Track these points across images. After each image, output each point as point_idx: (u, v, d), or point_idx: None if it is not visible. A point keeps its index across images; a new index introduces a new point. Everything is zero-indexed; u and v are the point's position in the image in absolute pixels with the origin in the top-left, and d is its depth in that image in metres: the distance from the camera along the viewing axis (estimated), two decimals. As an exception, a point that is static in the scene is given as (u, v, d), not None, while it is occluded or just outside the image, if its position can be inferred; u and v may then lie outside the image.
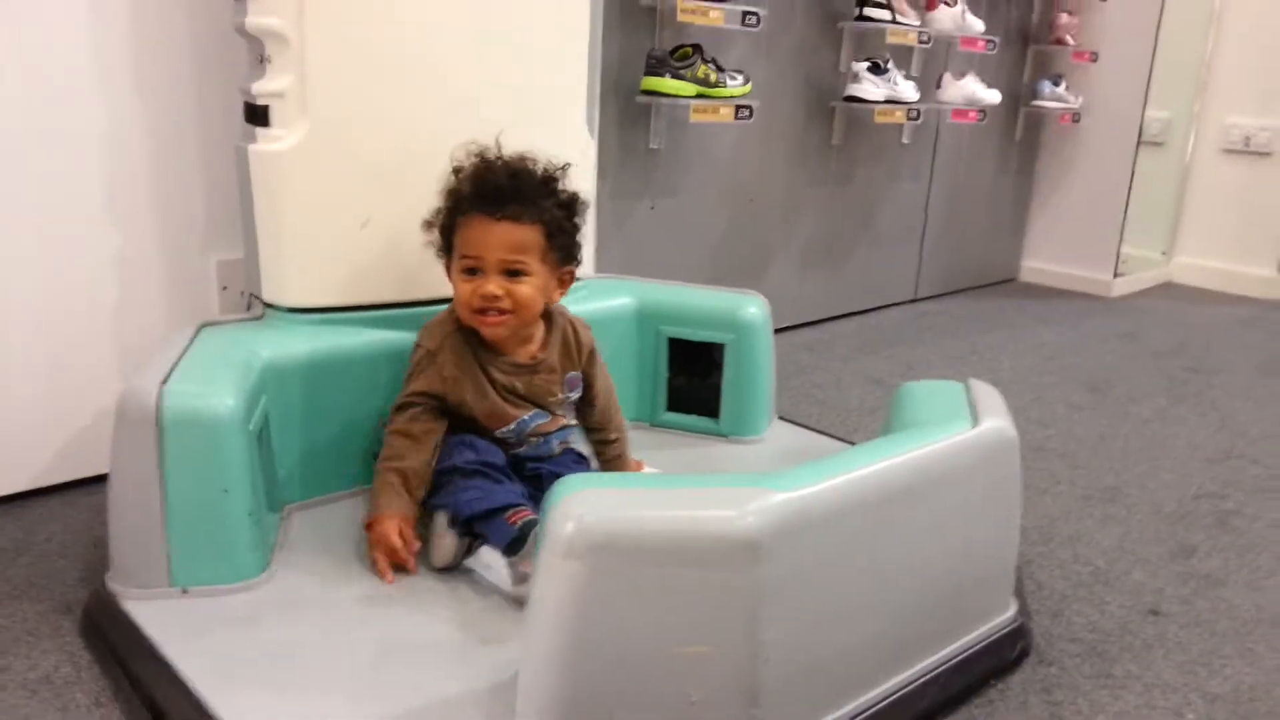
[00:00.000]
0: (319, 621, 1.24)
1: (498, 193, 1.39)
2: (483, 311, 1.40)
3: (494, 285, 1.39)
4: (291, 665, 1.16)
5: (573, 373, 1.53)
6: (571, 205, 1.46)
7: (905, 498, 1.11)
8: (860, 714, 1.11)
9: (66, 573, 1.43)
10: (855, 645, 1.10)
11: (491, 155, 1.43)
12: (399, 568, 1.34)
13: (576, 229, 1.47)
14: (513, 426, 1.46)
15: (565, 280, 1.48)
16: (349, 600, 1.29)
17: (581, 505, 0.95)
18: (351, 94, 1.47)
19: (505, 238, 1.39)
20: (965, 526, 1.21)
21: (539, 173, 1.43)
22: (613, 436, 1.61)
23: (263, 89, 1.43)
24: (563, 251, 1.45)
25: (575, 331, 1.54)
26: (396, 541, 1.33)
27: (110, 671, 1.20)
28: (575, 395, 1.54)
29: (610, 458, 1.61)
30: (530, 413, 1.48)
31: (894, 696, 1.14)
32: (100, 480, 1.68)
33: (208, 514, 1.27)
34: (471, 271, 1.40)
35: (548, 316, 1.51)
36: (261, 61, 1.44)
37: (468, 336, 1.45)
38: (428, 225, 1.46)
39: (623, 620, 0.96)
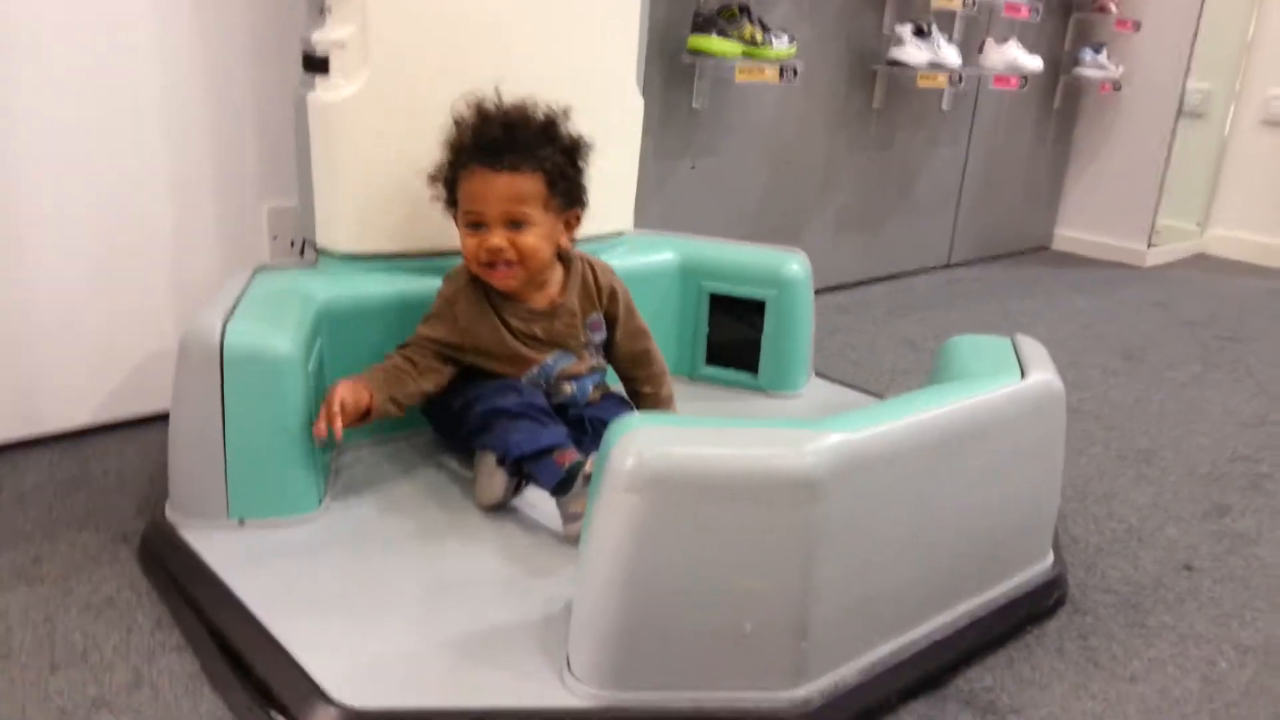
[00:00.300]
0: (373, 555, 1.28)
1: (494, 144, 1.39)
2: (489, 265, 1.42)
3: (498, 238, 1.40)
4: (348, 595, 1.20)
5: (594, 315, 1.54)
6: (573, 150, 1.45)
7: (956, 444, 1.13)
8: (903, 652, 1.14)
9: (123, 505, 1.47)
10: (901, 585, 1.12)
11: (489, 106, 1.43)
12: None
13: (580, 173, 1.47)
14: (537, 371, 1.48)
15: (572, 224, 1.49)
16: (401, 535, 1.33)
17: (642, 441, 0.98)
18: (411, 45, 1.49)
19: (505, 189, 1.39)
20: (1011, 476, 1.23)
21: (539, 119, 1.43)
22: (646, 388, 1.62)
23: (323, 38, 1.45)
24: (566, 197, 1.45)
25: (594, 273, 1.55)
26: (336, 404, 1.29)
27: (169, 597, 1.24)
28: (600, 337, 1.56)
29: (645, 407, 1.62)
30: (553, 355, 1.49)
31: (936, 637, 1.17)
32: (154, 419, 1.74)
33: (267, 449, 1.31)
34: (475, 225, 1.41)
35: (565, 260, 1.52)
36: (322, 12, 1.46)
37: (483, 284, 1.46)
38: (431, 179, 1.47)
39: (680, 553, 0.98)
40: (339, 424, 1.29)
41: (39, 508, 1.45)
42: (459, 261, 1.49)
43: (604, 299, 1.55)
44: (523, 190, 1.40)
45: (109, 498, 1.49)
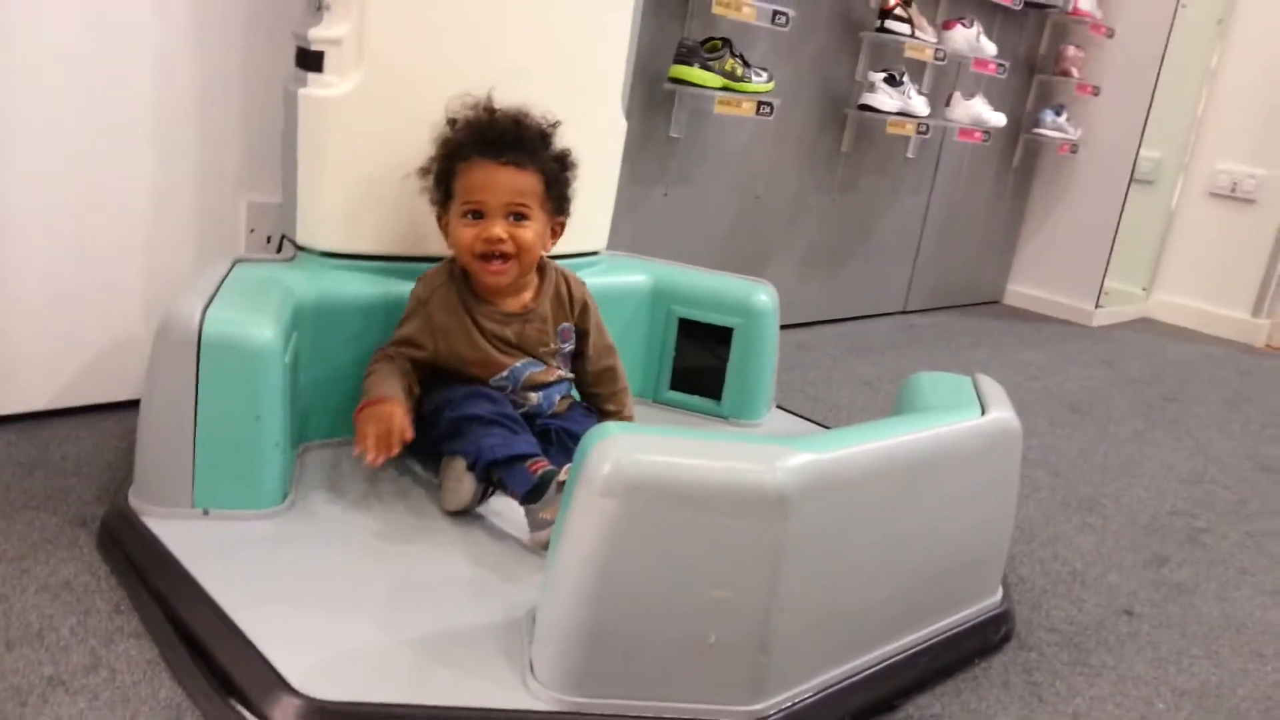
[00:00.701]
0: (338, 552, 1.29)
1: (502, 138, 1.43)
2: (485, 257, 1.44)
3: (499, 228, 1.43)
4: (312, 589, 1.20)
5: (565, 324, 1.57)
6: (564, 159, 1.51)
7: (920, 473, 1.17)
8: (857, 674, 1.16)
9: (81, 490, 1.46)
10: (861, 608, 1.15)
11: (488, 105, 1.47)
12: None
13: (568, 182, 1.52)
14: (505, 374, 1.50)
15: (556, 231, 1.53)
16: (366, 534, 1.34)
17: (620, 447, 1.00)
18: (406, 47, 1.51)
19: (510, 182, 1.43)
20: (969, 508, 1.27)
21: (538, 124, 1.48)
22: (610, 405, 1.64)
23: (319, 35, 1.47)
24: (557, 201, 1.50)
25: (568, 283, 1.58)
26: (399, 422, 1.34)
27: (128, 582, 1.23)
28: (569, 347, 1.58)
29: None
30: (522, 361, 1.51)
31: (889, 661, 1.20)
32: (114, 406, 1.72)
33: (237, 439, 1.30)
34: (475, 215, 1.44)
35: (540, 268, 1.55)
36: (319, 9, 1.48)
37: (458, 287, 1.49)
38: (423, 172, 1.49)
39: (650, 560, 1.00)
40: (397, 449, 1.34)
41: (-5, 486, 1.43)
42: (421, 276, 1.52)
43: (575, 310, 1.58)
44: (524, 185, 1.44)
45: (67, 481, 1.48)
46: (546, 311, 1.54)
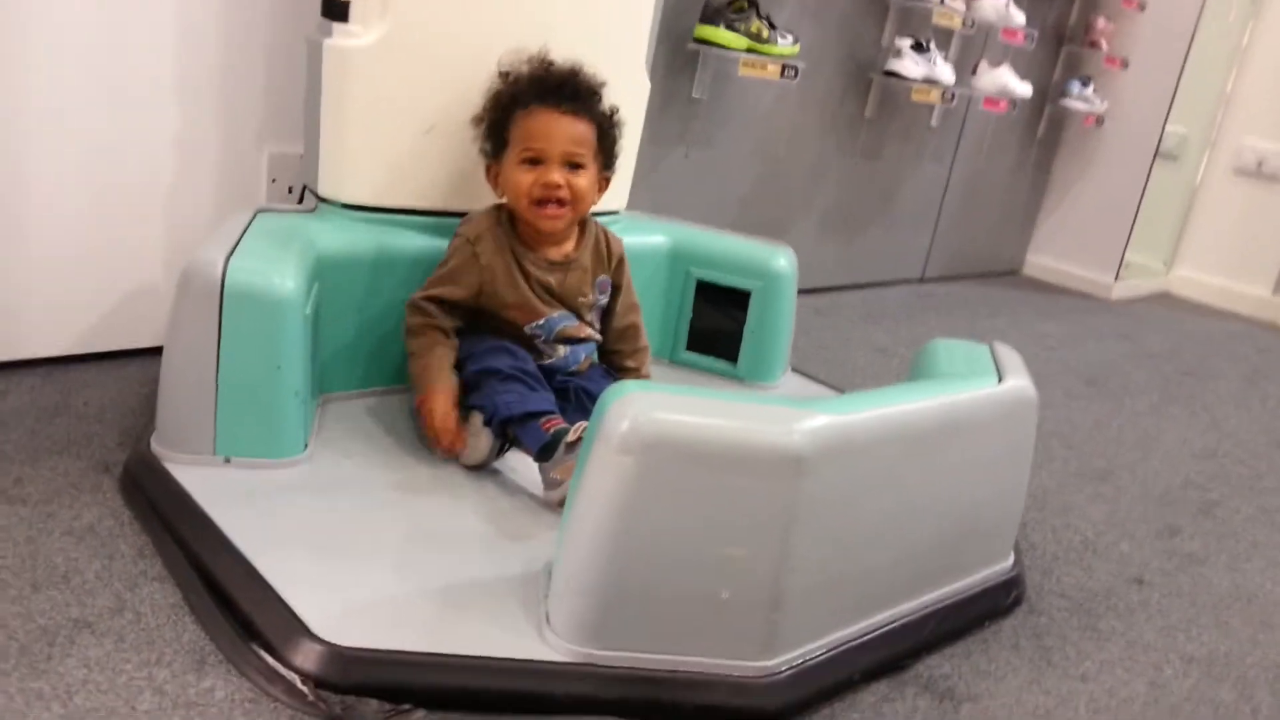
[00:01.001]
0: (356, 501, 1.30)
1: (562, 87, 1.46)
2: (542, 202, 1.46)
3: (557, 174, 1.45)
4: (332, 538, 1.21)
5: (603, 276, 1.59)
6: (614, 115, 1.54)
7: (936, 438, 1.17)
8: (868, 634, 1.18)
9: (104, 435, 1.48)
10: (873, 569, 1.16)
11: (542, 60, 1.50)
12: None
13: (617, 138, 1.55)
14: (542, 322, 1.52)
15: (603, 186, 1.56)
16: (384, 485, 1.35)
17: (638, 405, 1.01)
18: (432, 2, 1.51)
19: (569, 130, 1.46)
20: (983, 474, 1.27)
21: (591, 78, 1.51)
22: (629, 363, 1.65)
23: (347, -15, 1.46)
24: (607, 155, 1.53)
25: (607, 238, 1.60)
26: (454, 424, 1.40)
27: (151, 527, 1.25)
28: (604, 299, 1.60)
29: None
30: (559, 312, 1.53)
31: (900, 622, 1.21)
32: (136, 353, 1.74)
33: (258, 388, 1.32)
34: (533, 161, 1.45)
35: (582, 220, 1.57)
36: (346, -41, 1.47)
37: (507, 230, 1.51)
38: (477, 120, 1.51)
39: (666, 516, 1.01)
40: (460, 446, 1.40)
41: (20, 431, 1.45)
42: (465, 219, 1.53)
43: (613, 264, 1.60)
44: (582, 134, 1.47)
45: (90, 426, 1.50)
46: (587, 263, 1.56)
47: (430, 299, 1.49)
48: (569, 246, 1.55)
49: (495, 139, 1.50)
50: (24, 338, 1.64)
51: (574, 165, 1.47)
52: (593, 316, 1.59)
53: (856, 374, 2.37)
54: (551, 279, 1.52)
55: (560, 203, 1.46)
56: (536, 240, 1.51)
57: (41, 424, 1.48)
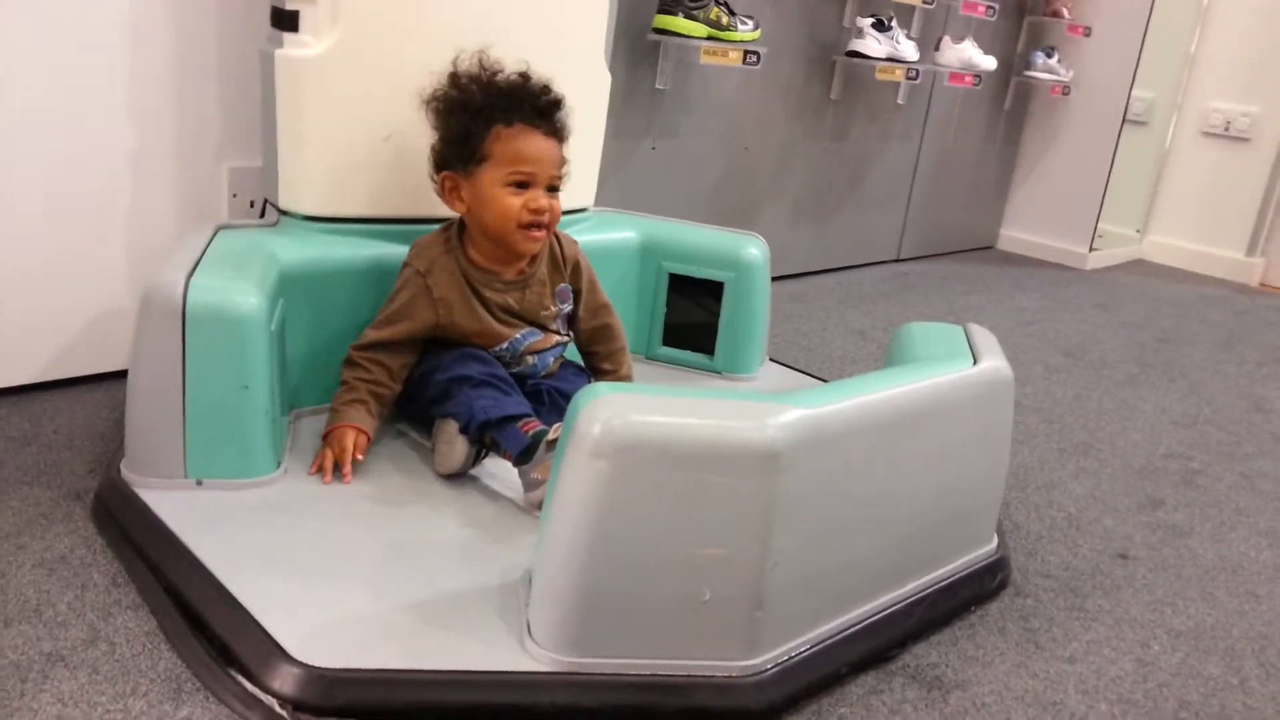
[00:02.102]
0: (332, 519, 1.28)
1: (549, 107, 1.44)
2: (529, 226, 1.43)
3: (545, 199, 1.42)
4: (307, 557, 1.20)
5: (562, 285, 1.56)
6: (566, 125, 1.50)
7: (912, 424, 1.16)
8: (853, 626, 1.17)
9: (74, 463, 1.45)
10: (855, 560, 1.16)
11: (498, 67, 1.45)
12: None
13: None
14: (505, 345, 1.49)
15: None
16: (360, 500, 1.33)
17: (609, 408, 0.99)
18: (382, 6, 1.49)
19: (555, 153, 1.44)
20: (962, 458, 1.27)
21: (559, 92, 1.47)
22: (606, 364, 1.63)
23: (294, -6, 1.44)
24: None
25: (560, 243, 1.57)
26: (349, 444, 1.38)
27: (124, 555, 1.23)
28: (567, 308, 1.57)
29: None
30: (523, 331, 1.51)
31: (885, 612, 1.21)
32: (104, 377, 1.71)
33: (227, 409, 1.30)
34: (521, 185, 1.42)
35: None
36: (293, -33, 1.45)
37: (458, 256, 1.47)
38: (437, 123, 1.45)
39: (643, 519, 1.00)
40: (349, 474, 1.36)
41: (-13, 462, 1.43)
42: (427, 228, 1.51)
43: (568, 269, 1.57)
44: (561, 155, 1.46)
45: (59, 455, 1.47)
46: (544, 274, 1.53)
47: (379, 344, 1.45)
48: (523, 262, 1.51)
49: (464, 150, 1.43)
50: (-13, 367, 1.61)
51: (553, 188, 1.45)
52: (559, 325, 1.57)
53: (835, 360, 2.37)
54: (510, 299, 1.49)
55: (543, 226, 1.44)
56: (495, 259, 1.48)
57: (10, 454, 1.46)
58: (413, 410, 1.51)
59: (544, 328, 1.53)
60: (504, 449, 1.35)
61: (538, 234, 1.44)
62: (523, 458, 1.32)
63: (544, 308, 1.53)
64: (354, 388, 1.43)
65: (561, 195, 1.50)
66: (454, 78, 1.45)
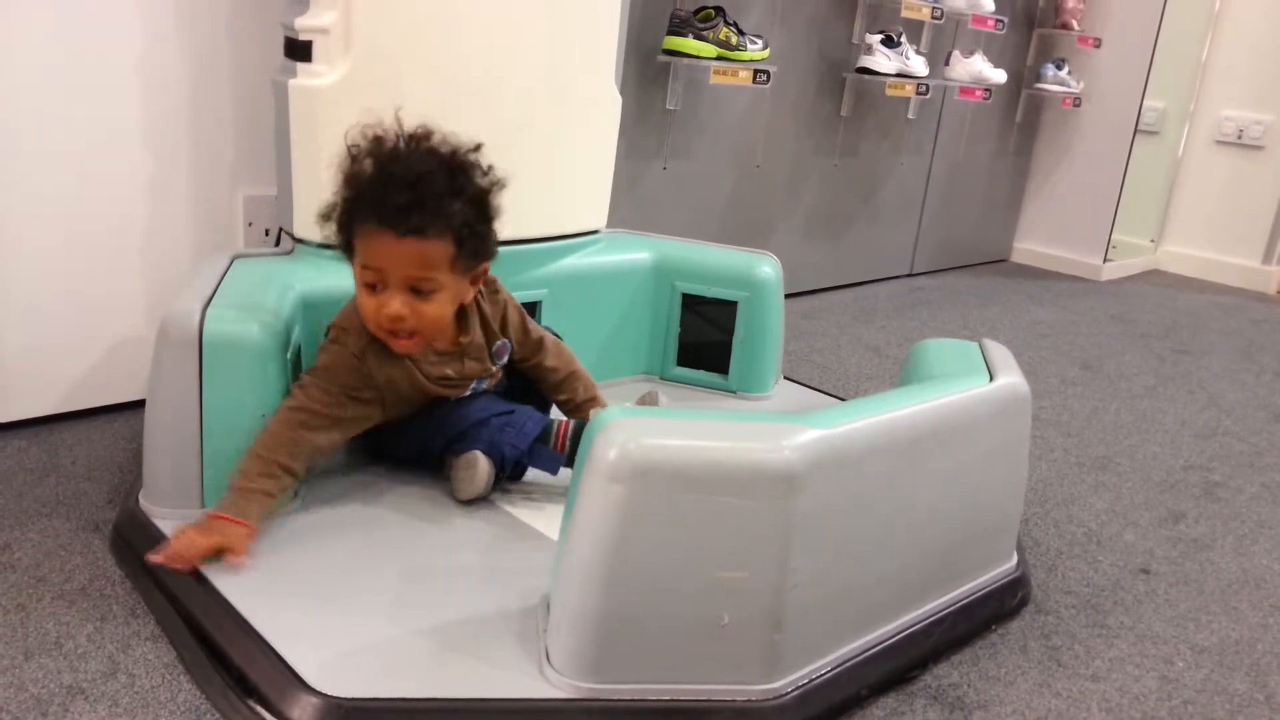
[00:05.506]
0: (349, 545, 1.28)
1: (399, 209, 1.23)
2: (391, 333, 1.31)
3: (398, 305, 1.27)
4: (325, 585, 1.20)
5: (499, 342, 1.47)
6: (483, 199, 1.30)
7: (929, 443, 1.16)
8: (874, 647, 1.16)
9: (93, 494, 1.46)
10: (873, 581, 1.15)
11: (390, 148, 1.26)
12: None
13: (489, 225, 1.32)
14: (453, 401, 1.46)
15: (477, 280, 1.37)
16: (377, 526, 1.33)
17: (625, 432, 0.99)
18: (394, 34, 1.50)
19: (410, 255, 1.25)
20: (979, 476, 1.26)
21: (447, 168, 1.27)
22: (560, 396, 1.57)
23: (306, 24, 1.45)
24: (474, 255, 1.31)
25: (483, 305, 1.45)
26: (243, 557, 1.20)
27: (143, 586, 1.23)
28: (506, 359, 1.50)
29: (572, 417, 1.54)
30: (469, 386, 1.46)
31: (905, 633, 1.20)
32: (122, 408, 1.72)
33: (244, 438, 1.30)
34: (373, 286, 1.28)
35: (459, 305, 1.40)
36: (305, -2, 1.47)
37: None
38: (322, 218, 1.30)
39: (661, 543, 1.00)
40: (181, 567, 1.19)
41: (8, 495, 1.43)
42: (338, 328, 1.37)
43: (499, 323, 1.48)
44: (429, 255, 1.26)
45: (78, 485, 1.48)
46: (479, 338, 1.44)
47: (327, 388, 1.33)
48: (454, 333, 1.41)
49: (344, 237, 1.29)
50: (8, 400, 1.62)
51: (420, 291, 1.28)
52: (499, 369, 1.50)
53: (850, 377, 2.36)
54: (449, 369, 1.42)
55: (410, 332, 1.30)
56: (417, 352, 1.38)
57: (30, 486, 1.47)
58: (421, 459, 1.47)
59: (487, 379, 1.48)
60: (544, 468, 1.42)
61: (402, 341, 1.31)
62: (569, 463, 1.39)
63: (485, 371, 1.46)
64: (257, 457, 1.27)
65: (573, 218, 1.48)
66: (348, 150, 1.28)
